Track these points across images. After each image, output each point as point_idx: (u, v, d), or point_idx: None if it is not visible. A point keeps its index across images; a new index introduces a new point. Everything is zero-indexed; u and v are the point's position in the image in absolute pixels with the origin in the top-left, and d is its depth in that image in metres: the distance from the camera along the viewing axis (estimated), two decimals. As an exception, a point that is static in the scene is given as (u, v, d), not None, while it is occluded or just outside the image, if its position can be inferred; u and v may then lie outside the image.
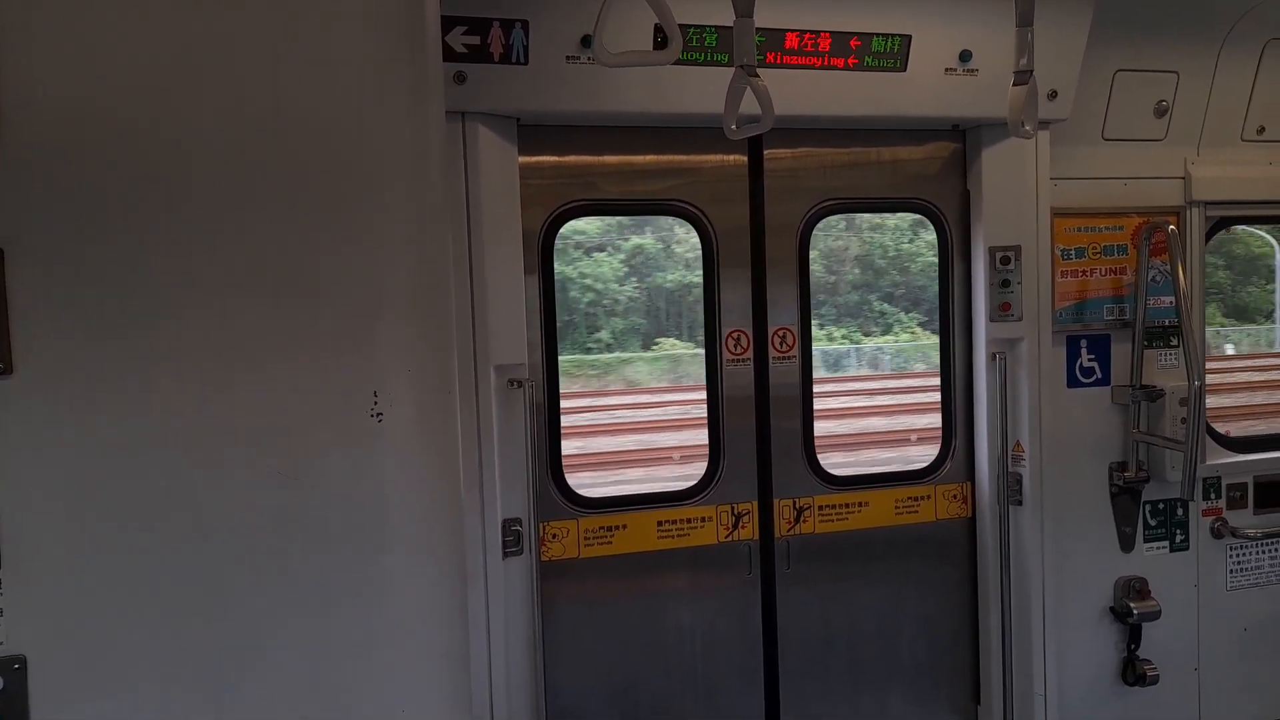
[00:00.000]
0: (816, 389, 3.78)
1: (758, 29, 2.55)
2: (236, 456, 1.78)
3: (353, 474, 1.84)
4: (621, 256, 17.88)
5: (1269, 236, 16.79)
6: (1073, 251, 3.89)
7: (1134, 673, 3.99)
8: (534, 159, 3.34)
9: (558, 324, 3.51)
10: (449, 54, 2.93)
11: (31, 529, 1.70)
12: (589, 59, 3.06)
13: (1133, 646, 4.00)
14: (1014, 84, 2.48)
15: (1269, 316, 19.17)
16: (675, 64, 3.05)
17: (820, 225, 3.74)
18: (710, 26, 3.16)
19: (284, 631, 1.82)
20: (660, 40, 3.03)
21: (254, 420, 1.79)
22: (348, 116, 1.83)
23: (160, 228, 1.75)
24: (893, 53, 3.37)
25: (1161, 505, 4.05)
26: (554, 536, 3.44)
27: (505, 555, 3.25)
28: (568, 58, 3.06)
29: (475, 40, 2.98)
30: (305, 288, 1.81)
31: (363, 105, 1.84)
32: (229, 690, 1.80)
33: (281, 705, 1.83)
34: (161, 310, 1.74)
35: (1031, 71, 2.44)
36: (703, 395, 3.70)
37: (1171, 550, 4.08)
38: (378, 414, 1.84)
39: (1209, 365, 4.17)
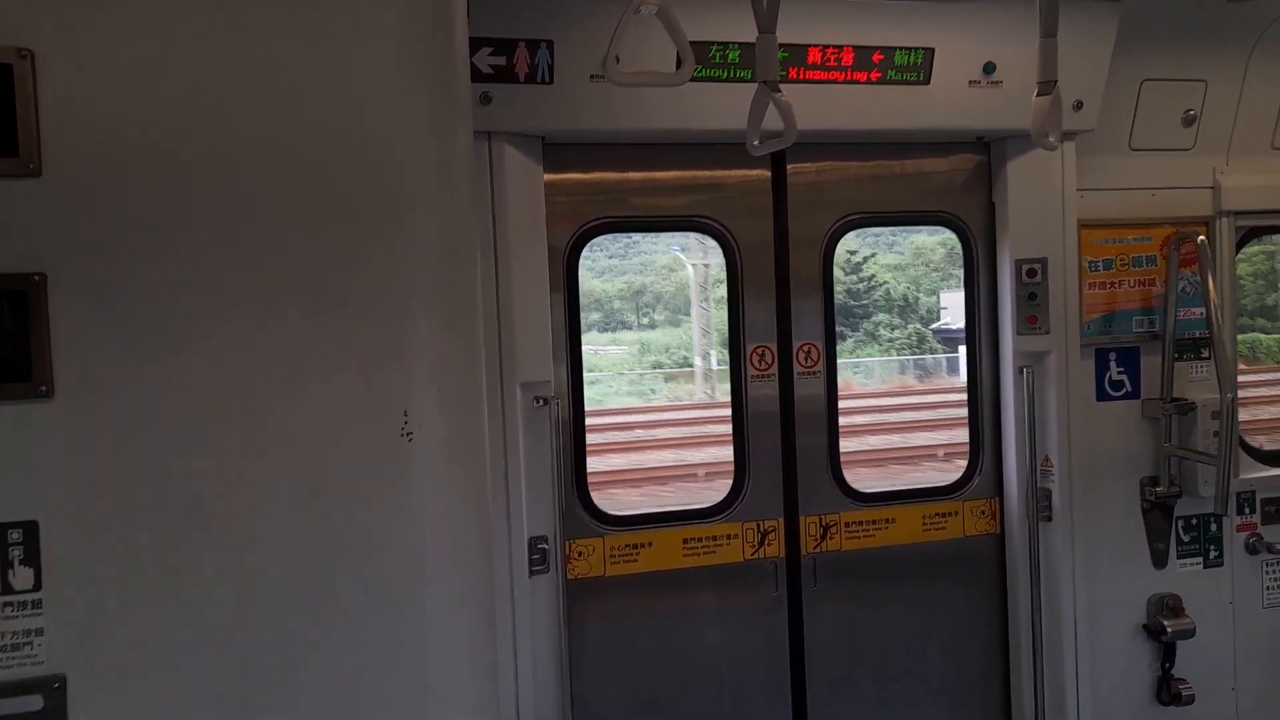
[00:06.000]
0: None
1: (780, 44, 2.55)
2: (270, 476, 1.80)
3: (384, 492, 1.85)
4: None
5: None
6: (1100, 263, 3.85)
7: (1169, 692, 3.92)
8: (559, 176, 3.35)
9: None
10: (475, 75, 2.95)
11: (71, 549, 1.73)
12: None
13: (1167, 665, 3.93)
14: (1037, 94, 2.47)
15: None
16: (698, 81, 3.07)
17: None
18: (733, 43, 3.17)
19: (316, 647, 1.83)
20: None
21: (287, 440, 1.81)
22: (377, 138, 1.85)
23: (193, 251, 1.77)
24: (916, 66, 3.36)
25: (1194, 520, 3.99)
26: (580, 554, 3.44)
27: (532, 573, 3.25)
28: (592, 77, 3.08)
29: (501, 61, 3.00)
30: (336, 308, 1.83)
31: (392, 127, 1.86)
32: (263, 705, 1.81)
33: (315, 717, 1.83)
34: (196, 332, 1.77)
35: (1055, 82, 2.43)
36: (724, 412, 3.69)
37: (1205, 566, 4.01)
38: (408, 433, 1.85)
39: (1241, 378, 4.10)
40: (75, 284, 1.72)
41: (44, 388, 1.71)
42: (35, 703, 1.71)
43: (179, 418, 1.76)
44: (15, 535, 1.71)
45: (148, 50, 1.74)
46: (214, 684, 1.79)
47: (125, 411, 1.74)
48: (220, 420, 1.78)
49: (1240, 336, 4.39)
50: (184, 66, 1.76)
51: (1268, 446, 4.16)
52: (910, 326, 21.27)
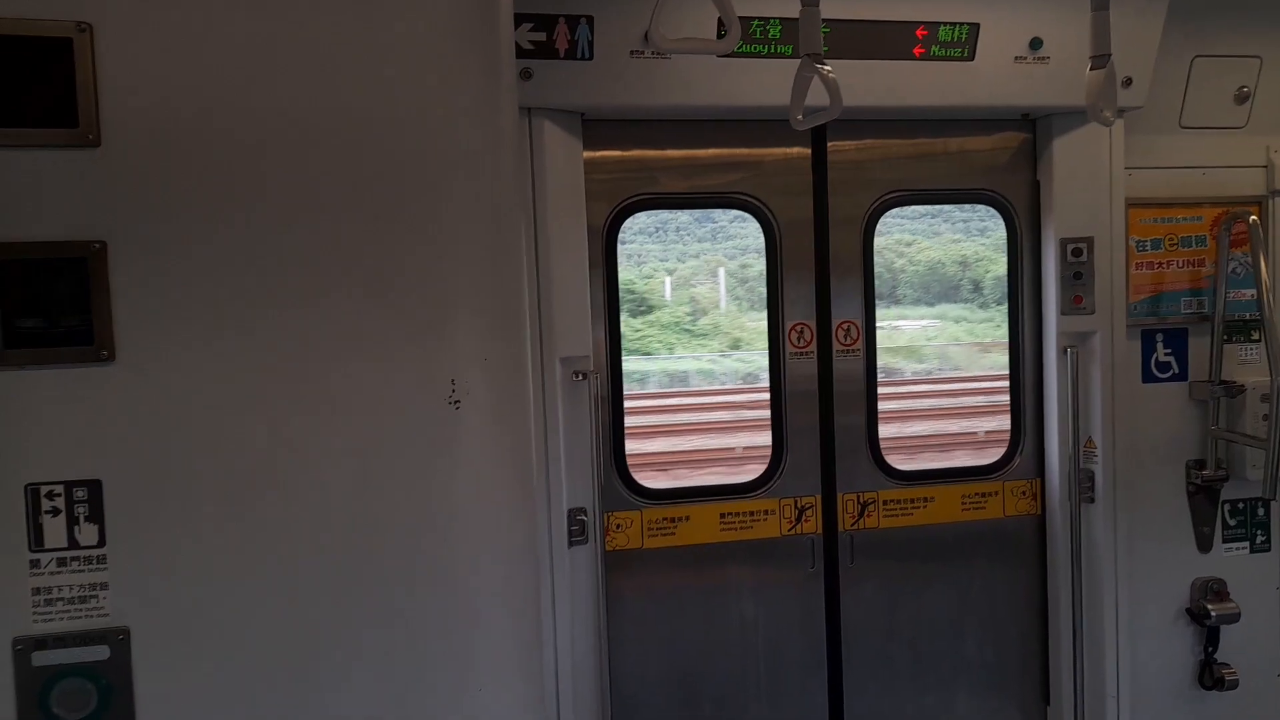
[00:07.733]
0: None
1: (823, 20, 2.54)
2: (323, 439, 1.85)
3: (433, 456, 1.90)
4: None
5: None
6: (1148, 243, 3.78)
7: (1211, 676, 3.87)
8: (598, 153, 3.37)
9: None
10: (516, 50, 2.97)
11: (132, 507, 1.80)
12: (653, 53, 3.08)
13: (1210, 649, 3.88)
14: (1091, 69, 2.43)
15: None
16: (738, 56, 3.05)
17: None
18: (774, 18, 3.16)
19: (365, 608, 1.89)
20: (722, 32, 3.05)
21: (339, 404, 1.86)
22: (425, 115, 1.88)
23: (248, 222, 1.82)
24: (960, 42, 3.33)
25: (1241, 505, 3.93)
26: (618, 527, 3.48)
27: (570, 544, 3.30)
28: (632, 52, 3.09)
29: (541, 36, 3.03)
30: (387, 279, 1.87)
31: (439, 103, 1.89)
32: (315, 663, 1.87)
33: (364, 677, 1.89)
34: (252, 299, 1.82)
35: (1109, 55, 2.39)
36: (760, 395, 3.71)
37: (1252, 551, 3.94)
38: (455, 401, 1.90)
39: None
40: (134, 252, 1.78)
41: (105, 352, 1.77)
42: (102, 653, 1.79)
43: (235, 382, 1.82)
44: (80, 493, 1.78)
45: (204, 23, 1.79)
46: (268, 639, 1.85)
47: (184, 376, 1.80)
48: (275, 385, 1.83)
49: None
50: (239, 41, 1.80)
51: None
52: None
